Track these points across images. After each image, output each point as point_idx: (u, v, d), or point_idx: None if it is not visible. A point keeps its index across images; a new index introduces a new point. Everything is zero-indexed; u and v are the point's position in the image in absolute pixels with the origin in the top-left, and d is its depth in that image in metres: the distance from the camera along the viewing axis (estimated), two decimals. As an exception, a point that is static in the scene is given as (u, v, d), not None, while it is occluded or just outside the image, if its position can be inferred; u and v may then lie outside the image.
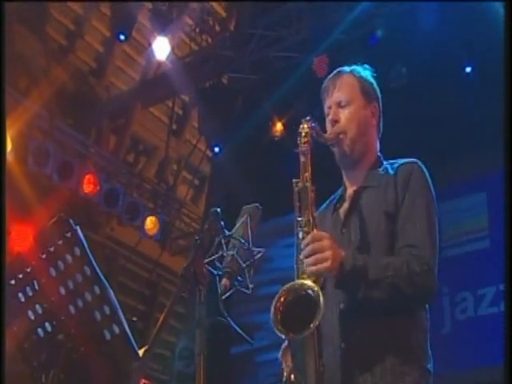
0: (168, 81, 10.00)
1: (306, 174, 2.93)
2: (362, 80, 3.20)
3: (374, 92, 3.22)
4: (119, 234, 10.46)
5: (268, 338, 9.31)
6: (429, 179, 3.04)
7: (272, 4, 9.80)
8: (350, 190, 3.16)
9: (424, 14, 8.36)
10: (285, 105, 9.02)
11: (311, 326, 2.62)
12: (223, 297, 2.74)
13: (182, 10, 9.86)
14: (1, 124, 4.14)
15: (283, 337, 2.70)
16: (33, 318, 2.99)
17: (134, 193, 10.34)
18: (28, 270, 2.96)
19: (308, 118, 3.02)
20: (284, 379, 2.85)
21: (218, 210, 2.80)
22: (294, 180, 2.96)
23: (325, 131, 3.12)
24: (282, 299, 2.72)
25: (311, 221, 2.86)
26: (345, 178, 3.22)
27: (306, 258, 2.75)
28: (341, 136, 3.09)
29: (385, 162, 3.17)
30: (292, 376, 2.80)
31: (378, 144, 3.23)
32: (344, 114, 3.12)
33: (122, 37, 8.95)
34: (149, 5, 9.69)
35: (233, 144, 9.43)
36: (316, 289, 2.68)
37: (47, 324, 2.96)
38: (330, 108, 3.16)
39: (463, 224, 8.68)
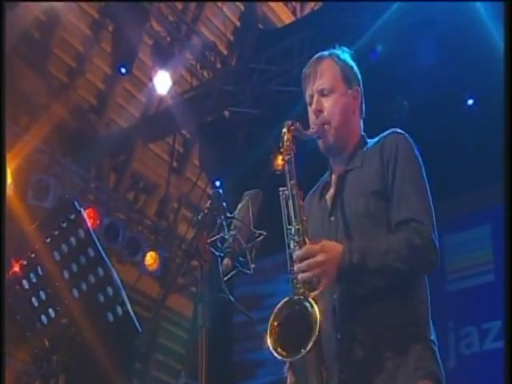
0: (169, 117, 10.15)
1: (292, 182, 2.99)
2: (342, 65, 3.22)
3: (354, 75, 3.25)
4: (119, 272, 10.49)
5: (271, 374, 9.33)
6: (415, 147, 3.06)
7: (273, 37, 10.02)
8: (335, 175, 3.20)
9: (423, 51, 8.53)
10: (286, 139, 9.08)
11: (307, 347, 2.66)
12: (225, 277, 2.79)
13: (183, 44, 10.06)
14: (1, 128, 4.25)
15: (282, 359, 2.73)
16: (36, 304, 3.08)
17: (135, 228, 10.43)
18: (32, 255, 3.07)
19: (289, 121, 3.07)
20: None
21: (220, 191, 2.90)
22: (280, 188, 3.01)
23: (307, 125, 3.18)
24: (276, 323, 2.76)
25: (301, 229, 2.90)
26: (330, 162, 3.25)
27: (302, 273, 2.79)
28: (325, 126, 3.13)
29: (369, 140, 3.21)
30: None
31: (362, 123, 3.27)
32: (327, 103, 3.15)
33: (123, 70, 9.10)
34: (150, 40, 9.91)
35: (234, 178, 9.53)
36: (313, 307, 2.72)
37: (51, 310, 3.05)
38: (312, 97, 3.20)
39: (467, 258, 8.69)
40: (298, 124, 3.07)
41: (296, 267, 2.81)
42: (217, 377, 2.87)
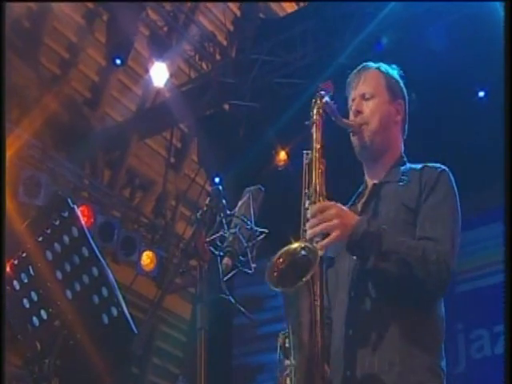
0: (166, 111, 10.16)
1: (317, 146, 3.06)
2: (387, 76, 3.33)
3: (399, 90, 3.35)
4: (114, 272, 10.49)
5: (271, 379, 9.34)
6: (455, 186, 3.11)
7: (275, 27, 10.01)
8: (370, 185, 3.28)
9: (431, 42, 8.53)
10: (289, 133, 9.09)
11: (304, 278, 2.71)
12: (225, 277, 2.79)
13: (181, 35, 10.05)
14: (0, 122, 4.26)
15: (276, 289, 2.76)
16: (28, 306, 3.08)
17: (130, 227, 10.44)
18: (23, 255, 3.07)
19: (323, 93, 3.16)
20: (278, 347, 2.92)
21: (220, 187, 2.90)
22: (304, 151, 3.08)
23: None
24: (281, 260, 2.81)
25: (318, 190, 2.97)
26: (366, 174, 3.34)
27: (313, 228, 2.84)
28: (363, 126, 3.21)
29: (408, 164, 3.26)
30: (286, 341, 2.87)
31: (403, 145, 3.34)
32: (367, 106, 3.24)
33: (118, 61, 9.11)
34: (146, 30, 9.90)
35: (234, 174, 9.54)
36: (311, 247, 2.78)
37: (43, 312, 3.05)
38: (353, 100, 3.29)
39: (478, 257, 8.70)
40: (332, 103, 3.17)
41: (308, 224, 2.87)
42: (216, 381, 2.88)
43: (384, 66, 3.37)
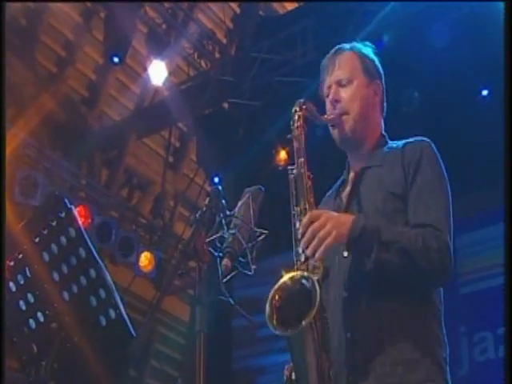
0: (164, 109, 10.15)
1: (301, 160, 3.00)
2: (363, 57, 3.24)
3: (375, 69, 3.26)
4: (111, 273, 10.49)
5: (272, 381, 9.34)
6: (440, 159, 3.05)
7: (275, 25, 10.01)
8: (352, 173, 3.22)
9: (434, 39, 8.52)
10: (289, 132, 9.08)
11: (306, 319, 2.66)
12: (224, 279, 2.79)
13: (179, 33, 10.05)
14: (1, 121, 4.26)
15: (278, 333, 2.72)
16: (24, 308, 3.08)
17: (128, 227, 10.43)
18: (20, 256, 3.07)
19: (302, 100, 3.10)
20: (285, 379, 2.90)
21: (219, 187, 2.90)
22: (289, 167, 3.04)
23: (324, 113, 3.18)
24: (277, 297, 2.77)
25: (307, 208, 2.91)
26: (349, 159, 3.27)
27: (309, 242, 2.78)
28: (343, 117, 3.13)
29: (390, 142, 3.22)
30: (293, 374, 2.84)
31: (383, 123, 3.29)
32: (346, 93, 3.15)
33: (116, 59, 9.11)
34: (144, 27, 9.90)
35: (233, 174, 9.54)
36: (311, 279, 2.72)
37: (39, 314, 3.05)
38: (329, 88, 3.20)
39: (481, 258, 8.67)
40: (311, 104, 3.09)
41: (303, 241, 2.80)
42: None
43: (358, 47, 3.28)
